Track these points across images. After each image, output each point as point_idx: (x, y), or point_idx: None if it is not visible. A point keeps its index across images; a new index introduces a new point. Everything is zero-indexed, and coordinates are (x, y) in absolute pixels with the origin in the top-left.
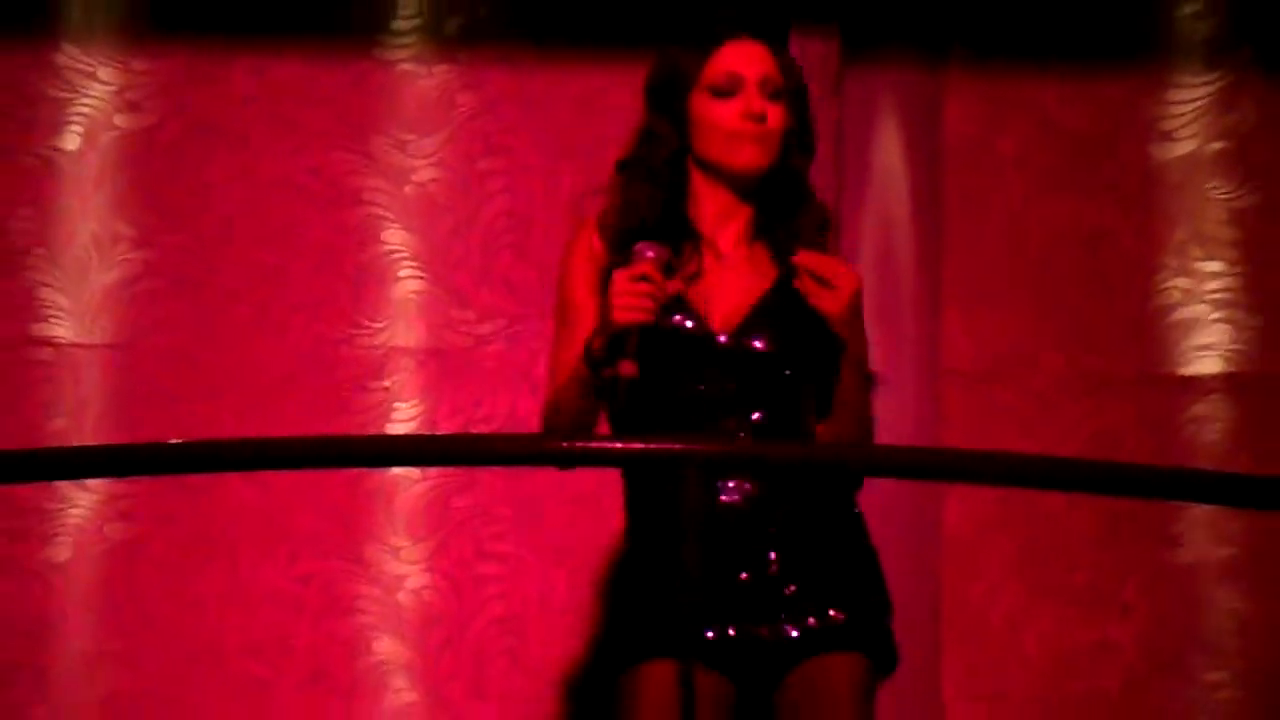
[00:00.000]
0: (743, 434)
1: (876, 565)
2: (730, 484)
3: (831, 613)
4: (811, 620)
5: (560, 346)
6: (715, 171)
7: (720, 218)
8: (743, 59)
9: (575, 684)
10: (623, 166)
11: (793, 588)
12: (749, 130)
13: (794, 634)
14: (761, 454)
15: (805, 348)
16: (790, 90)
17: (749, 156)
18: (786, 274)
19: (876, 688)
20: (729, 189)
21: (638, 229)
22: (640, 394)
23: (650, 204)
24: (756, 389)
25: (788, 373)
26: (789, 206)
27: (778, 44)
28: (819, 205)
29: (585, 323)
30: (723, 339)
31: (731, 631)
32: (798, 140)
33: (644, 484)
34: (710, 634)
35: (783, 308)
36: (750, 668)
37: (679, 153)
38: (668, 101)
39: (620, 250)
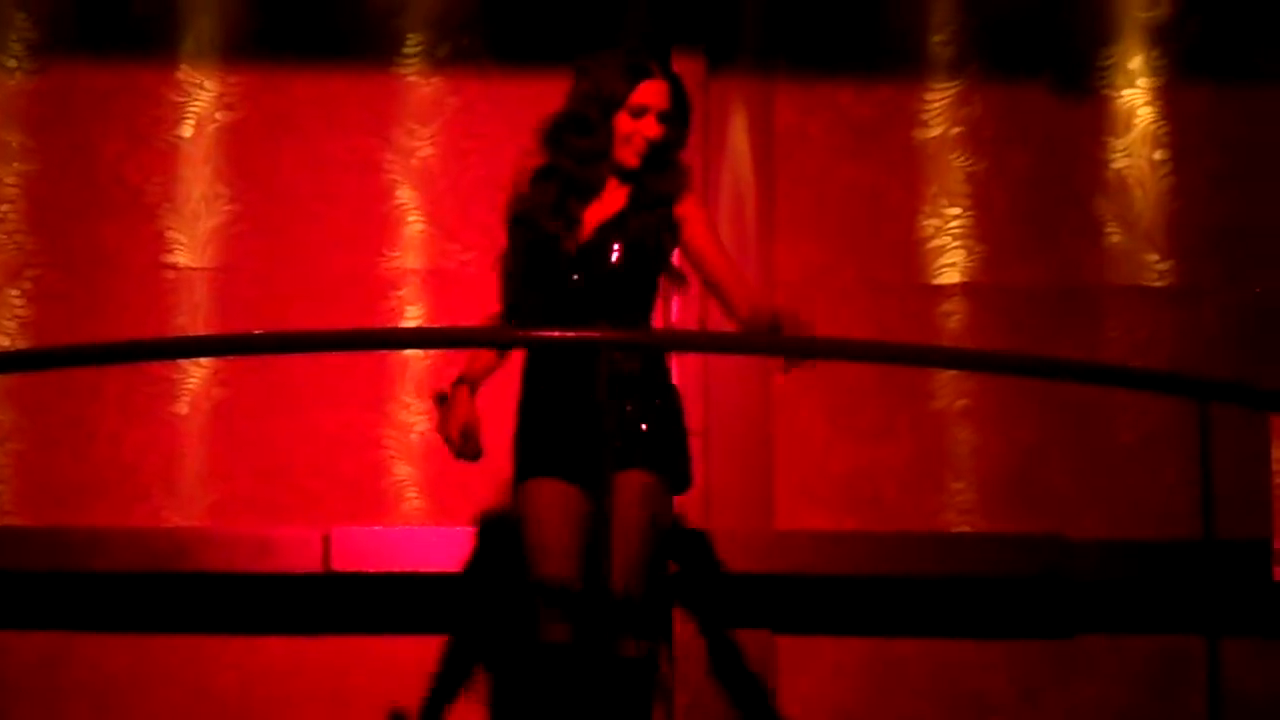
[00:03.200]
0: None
1: (680, 416)
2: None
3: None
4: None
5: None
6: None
7: (613, 188)
8: (652, 94)
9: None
10: (566, 137)
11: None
12: (638, 145)
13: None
14: (656, 340)
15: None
16: (677, 112)
17: (631, 160)
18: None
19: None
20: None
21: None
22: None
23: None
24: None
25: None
26: (662, 179)
27: (675, 79)
28: (685, 170)
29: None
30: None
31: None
32: (676, 140)
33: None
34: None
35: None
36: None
37: (604, 145)
38: (605, 110)
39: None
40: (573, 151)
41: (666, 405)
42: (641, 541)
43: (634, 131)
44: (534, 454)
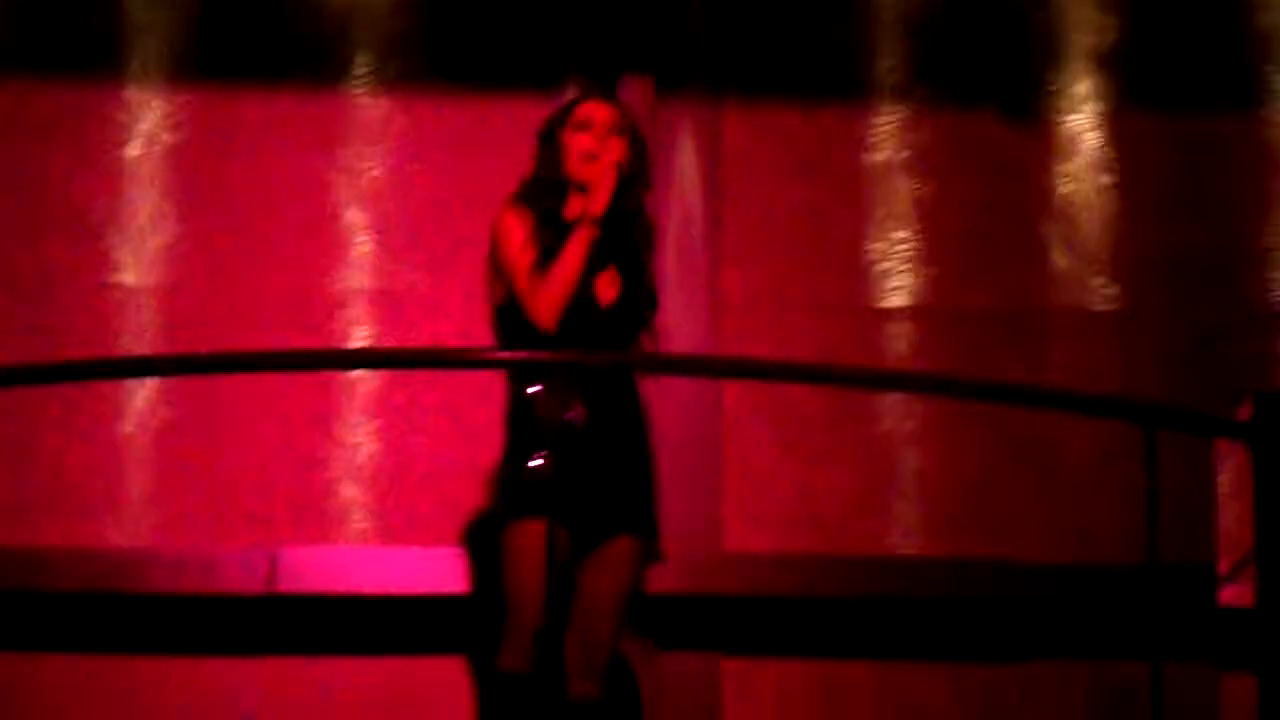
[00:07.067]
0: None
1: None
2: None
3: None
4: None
5: (531, 270)
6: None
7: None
8: (594, 110)
9: (474, 522)
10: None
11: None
12: (596, 168)
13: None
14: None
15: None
16: (629, 132)
17: (584, 180)
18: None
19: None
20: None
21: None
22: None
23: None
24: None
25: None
26: (626, 219)
27: (622, 105)
28: (646, 219)
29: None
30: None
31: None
32: (637, 175)
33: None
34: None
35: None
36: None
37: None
38: (550, 133)
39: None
40: (542, 176)
41: (650, 463)
42: (622, 615)
43: (588, 149)
44: (533, 490)
